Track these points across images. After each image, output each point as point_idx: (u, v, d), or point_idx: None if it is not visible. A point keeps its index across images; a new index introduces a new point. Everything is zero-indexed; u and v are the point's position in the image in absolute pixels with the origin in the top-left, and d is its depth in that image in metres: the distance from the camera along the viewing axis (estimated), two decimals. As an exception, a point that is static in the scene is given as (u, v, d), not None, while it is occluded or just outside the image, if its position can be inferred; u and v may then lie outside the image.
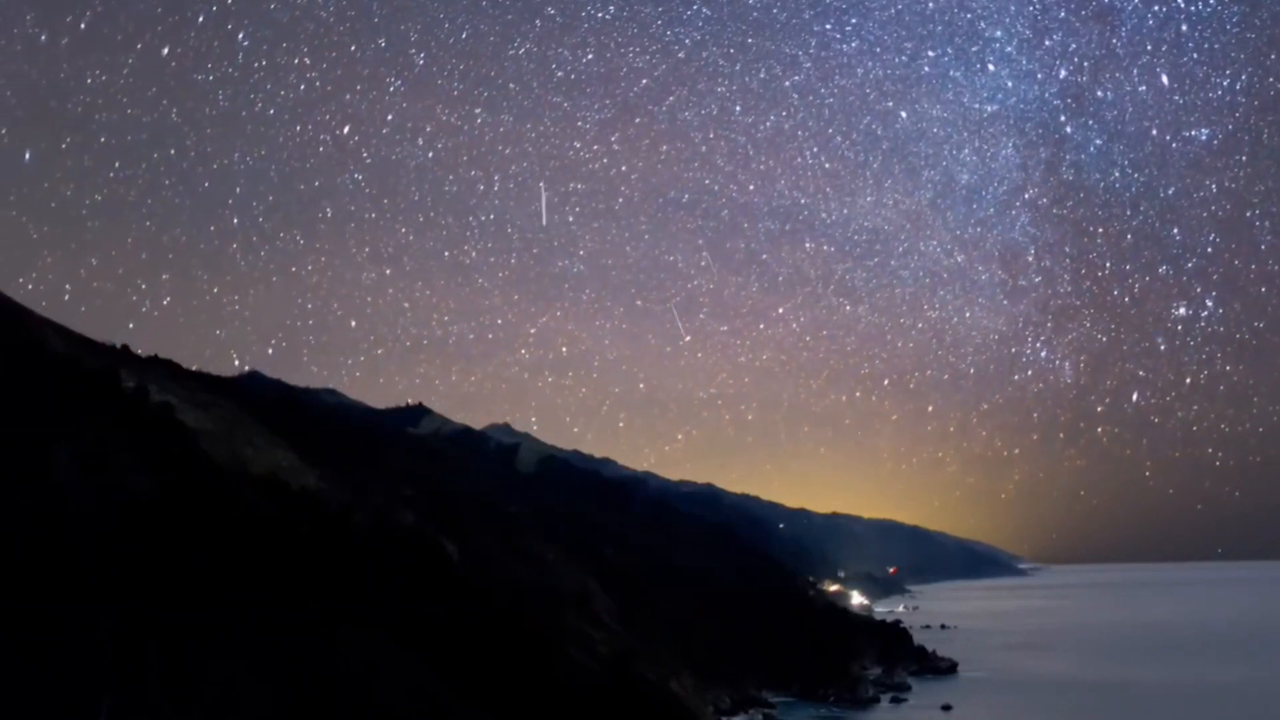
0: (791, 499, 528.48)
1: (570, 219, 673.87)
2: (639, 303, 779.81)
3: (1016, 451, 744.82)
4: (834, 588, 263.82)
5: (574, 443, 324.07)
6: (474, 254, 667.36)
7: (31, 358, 44.40)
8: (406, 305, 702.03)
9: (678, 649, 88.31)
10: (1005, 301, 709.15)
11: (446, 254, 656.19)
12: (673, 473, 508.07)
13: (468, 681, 41.01)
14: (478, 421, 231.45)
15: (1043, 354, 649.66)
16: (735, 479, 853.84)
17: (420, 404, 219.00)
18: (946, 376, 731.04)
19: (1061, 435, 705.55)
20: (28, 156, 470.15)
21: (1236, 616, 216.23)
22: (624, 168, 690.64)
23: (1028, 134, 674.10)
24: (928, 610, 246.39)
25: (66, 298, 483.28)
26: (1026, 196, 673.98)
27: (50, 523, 30.12)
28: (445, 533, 69.36)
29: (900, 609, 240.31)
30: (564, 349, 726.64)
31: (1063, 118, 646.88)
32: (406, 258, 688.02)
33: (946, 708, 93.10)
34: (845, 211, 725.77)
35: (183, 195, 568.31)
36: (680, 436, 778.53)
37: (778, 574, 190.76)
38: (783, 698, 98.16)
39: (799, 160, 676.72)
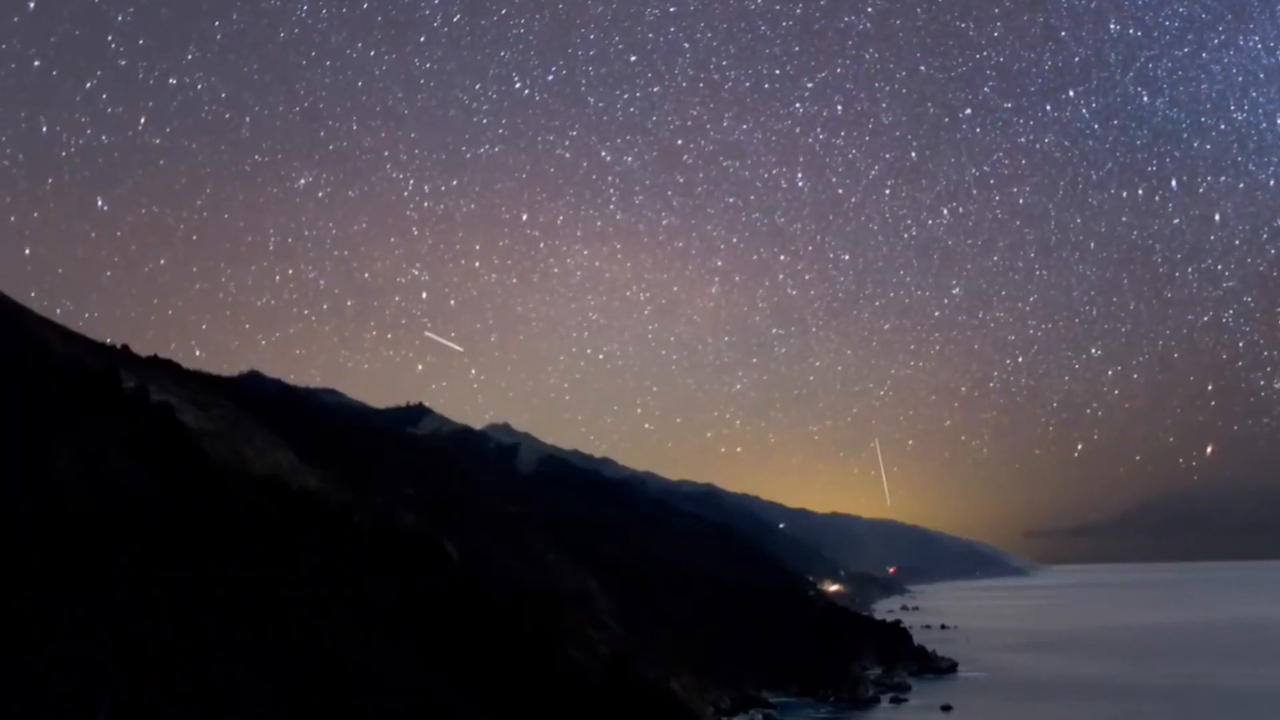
0: (791, 499, 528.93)
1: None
2: (922, 69, 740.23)
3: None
4: (834, 588, 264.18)
5: (575, 442, 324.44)
6: (759, 0, 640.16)
7: (31, 358, 44.42)
8: (686, 46, 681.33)
9: (678, 649, 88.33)
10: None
11: None
12: (673, 472, 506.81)
13: (468, 681, 41.02)
14: (477, 422, 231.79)
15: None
16: (735, 479, 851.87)
17: (421, 404, 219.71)
18: (1241, 185, 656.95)
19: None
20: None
21: (1240, 617, 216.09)
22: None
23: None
24: (928, 610, 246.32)
25: (314, 53, 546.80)
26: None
27: (50, 523, 30.15)
28: (445, 533, 69.39)
29: (900, 609, 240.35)
30: (839, 107, 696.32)
31: None
32: None
33: (946, 708, 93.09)
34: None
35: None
36: (945, 211, 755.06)
37: (778, 574, 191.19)
38: (783, 698, 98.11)
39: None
